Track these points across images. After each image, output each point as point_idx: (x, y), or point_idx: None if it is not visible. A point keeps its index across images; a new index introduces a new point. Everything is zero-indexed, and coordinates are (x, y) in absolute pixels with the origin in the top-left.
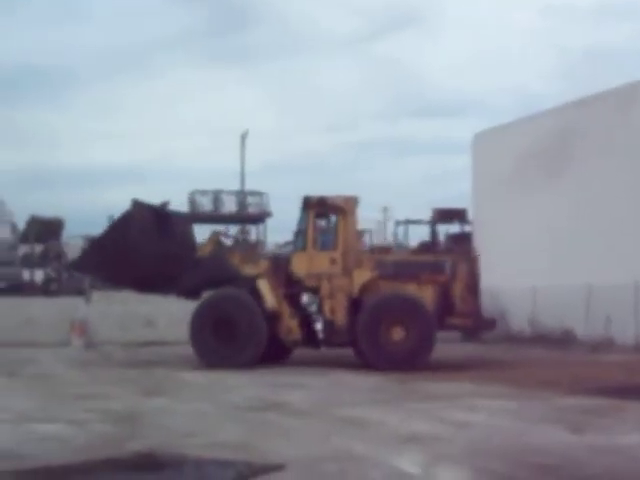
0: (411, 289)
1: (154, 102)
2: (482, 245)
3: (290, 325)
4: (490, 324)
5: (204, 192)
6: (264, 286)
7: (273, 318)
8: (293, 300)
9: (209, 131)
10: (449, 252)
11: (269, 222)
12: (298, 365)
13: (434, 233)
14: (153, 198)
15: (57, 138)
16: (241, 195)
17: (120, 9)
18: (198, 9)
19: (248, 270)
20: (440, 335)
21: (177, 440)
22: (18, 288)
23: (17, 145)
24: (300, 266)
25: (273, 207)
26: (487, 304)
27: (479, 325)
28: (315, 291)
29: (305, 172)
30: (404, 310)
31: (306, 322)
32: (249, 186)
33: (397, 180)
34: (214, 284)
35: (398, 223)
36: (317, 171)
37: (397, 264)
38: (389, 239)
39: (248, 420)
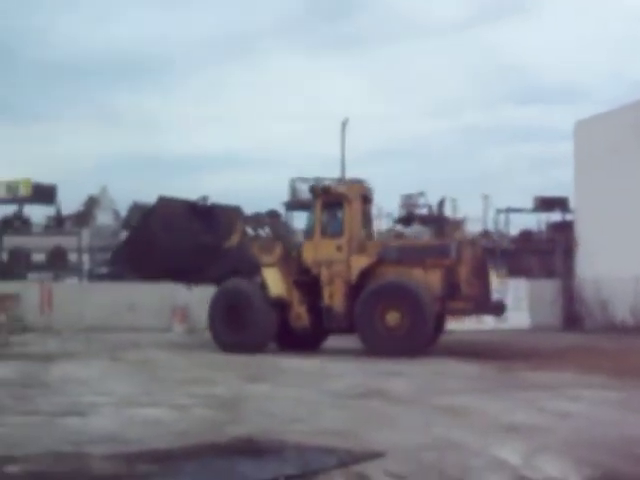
0: (417, 274)
1: (256, 89)
2: (583, 234)
3: (299, 312)
4: (496, 308)
5: (305, 179)
6: (269, 274)
7: (282, 305)
8: (303, 287)
9: (312, 118)
10: (550, 241)
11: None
12: None
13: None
14: (253, 185)
15: (159, 124)
16: (341, 182)
17: None
18: None
19: (265, 259)
20: (541, 324)
21: (278, 426)
22: (120, 274)
23: (119, 131)
24: (308, 254)
25: (375, 194)
26: (588, 293)
27: (482, 309)
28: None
29: (407, 159)
30: (399, 296)
31: (315, 308)
32: (351, 174)
33: (497, 167)
34: (238, 273)
35: (499, 211)
36: (419, 158)
37: (402, 249)
38: (490, 227)
39: (349, 407)
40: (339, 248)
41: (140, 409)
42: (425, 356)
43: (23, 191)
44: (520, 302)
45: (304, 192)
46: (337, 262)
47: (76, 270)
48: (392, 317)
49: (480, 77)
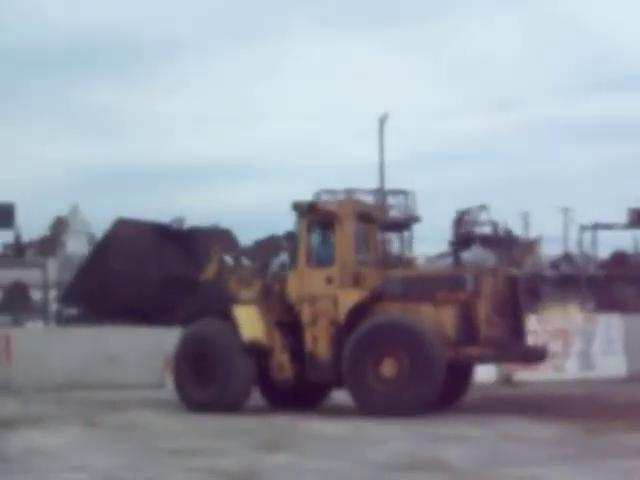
0: (425, 311)
1: (270, 80)
2: None
3: (280, 360)
4: (528, 355)
5: (333, 191)
6: (242, 314)
7: (260, 352)
8: (286, 330)
9: (341, 115)
10: None
11: (416, 228)
12: (458, 410)
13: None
14: (270, 199)
15: (144, 127)
16: (380, 195)
17: None
18: None
19: (244, 295)
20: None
21: None
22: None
23: (93, 136)
24: (292, 288)
25: (422, 209)
26: None
27: (506, 355)
28: None
29: (464, 164)
30: (396, 339)
31: (300, 356)
32: (390, 183)
33: (580, 172)
34: (211, 312)
35: (584, 228)
36: (479, 162)
37: (407, 281)
38: (572, 248)
39: None
40: (329, 280)
41: None
42: (488, 415)
43: None
44: (613, 344)
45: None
46: (322, 298)
47: (41, 311)
48: (388, 366)
49: (556, 59)
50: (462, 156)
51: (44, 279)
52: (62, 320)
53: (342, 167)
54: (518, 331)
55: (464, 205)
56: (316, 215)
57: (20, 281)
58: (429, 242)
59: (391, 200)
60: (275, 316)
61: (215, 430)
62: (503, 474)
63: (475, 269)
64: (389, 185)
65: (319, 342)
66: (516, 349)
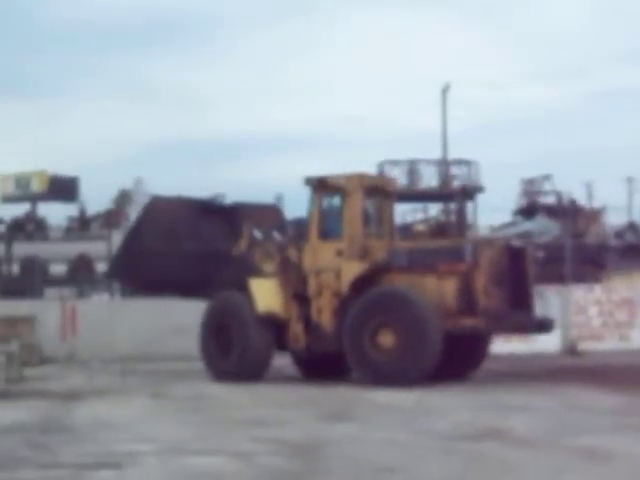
0: (429, 283)
1: (328, 51)
2: None
3: (296, 331)
4: (524, 326)
5: (396, 162)
6: (258, 286)
7: (276, 324)
8: (301, 301)
9: (403, 86)
10: None
11: (480, 199)
12: (522, 380)
13: None
14: (331, 169)
15: (207, 99)
16: (443, 165)
17: None
18: None
19: (266, 268)
20: None
21: (370, 477)
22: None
23: (157, 109)
24: (308, 261)
25: (485, 179)
26: None
27: (500, 326)
28: None
29: (528, 134)
30: (393, 310)
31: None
32: (454, 153)
33: None
34: (237, 284)
35: None
36: (543, 132)
37: (412, 252)
38: (637, 217)
39: (458, 452)
40: (339, 252)
41: (191, 458)
42: (552, 385)
43: (37, 186)
44: None
45: (396, 178)
46: (326, 270)
47: (106, 284)
48: (385, 336)
49: (624, 26)
50: (526, 126)
51: (109, 252)
52: (127, 292)
53: (406, 138)
54: (524, 302)
55: (528, 175)
56: (326, 189)
57: (85, 254)
58: (493, 212)
59: (454, 170)
60: (292, 288)
61: (280, 400)
62: (567, 443)
63: (474, 240)
64: (452, 155)
65: (323, 313)
66: (513, 320)
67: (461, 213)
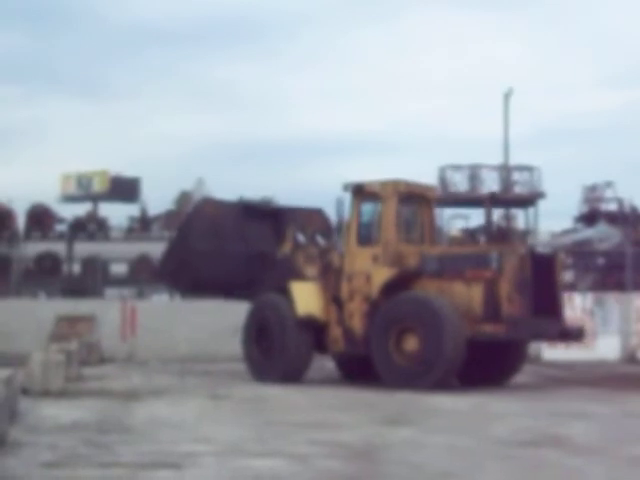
0: (458, 289)
1: (387, 54)
2: None
3: (335, 334)
4: (561, 335)
5: (458, 167)
6: (299, 290)
7: (316, 327)
8: (341, 305)
9: (463, 90)
10: None
11: (541, 204)
12: (581, 387)
13: None
14: (388, 173)
15: (268, 102)
16: (505, 170)
17: None
18: None
19: (308, 271)
20: None
21: None
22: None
23: (218, 111)
24: (348, 265)
25: (547, 185)
26: None
27: (520, 333)
28: None
29: (590, 140)
30: (416, 315)
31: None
32: (515, 159)
33: None
34: (279, 287)
35: None
36: (606, 138)
37: (443, 259)
38: None
39: (517, 458)
40: (375, 258)
41: (249, 459)
42: (612, 392)
43: (98, 186)
44: None
45: (458, 184)
46: (358, 275)
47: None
48: (409, 341)
49: None
50: (589, 132)
51: None
52: (175, 293)
53: (468, 142)
54: (551, 310)
55: (590, 181)
56: (364, 196)
57: (146, 254)
58: (554, 218)
59: (516, 176)
60: (332, 292)
61: (338, 403)
62: (627, 451)
63: (501, 248)
64: (514, 161)
65: (354, 317)
66: (535, 327)
67: (489, 219)
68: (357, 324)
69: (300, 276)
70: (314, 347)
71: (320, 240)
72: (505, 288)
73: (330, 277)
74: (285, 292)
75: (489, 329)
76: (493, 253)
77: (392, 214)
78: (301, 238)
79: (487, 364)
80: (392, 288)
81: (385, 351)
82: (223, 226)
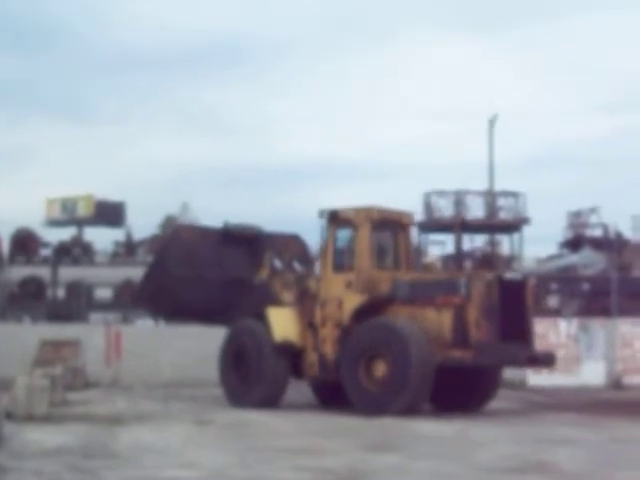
0: (429, 314)
1: (375, 79)
2: None
3: (312, 359)
4: (530, 361)
5: (443, 193)
6: (276, 315)
7: (292, 352)
8: (316, 331)
9: (448, 115)
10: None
11: (527, 230)
12: (566, 413)
13: None
14: (374, 199)
15: (252, 126)
16: (490, 196)
17: None
18: None
19: (285, 297)
20: None
21: None
22: None
23: (202, 135)
24: (321, 291)
25: (532, 211)
26: None
27: (485, 358)
28: None
29: (575, 166)
30: (384, 341)
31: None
32: (500, 185)
33: None
34: (256, 313)
35: None
36: (590, 165)
37: (414, 284)
38: None
39: None
40: (349, 284)
41: None
42: (597, 418)
43: (83, 210)
44: None
45: (443, 209)
46: (330, 301)
47: None
48: (378, 367)
49: None
50: (572, 158)
51: None
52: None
53: (453, 168)
54: (520, 335)
55: (575, 207)
56: (338, 222)
57: (131, 279)
58: (539, 243)
59: (502, 202)
60: (308, 318)
61: (321, 429)
62: (614, 478)
63: (468, 274)
64: (499, 186)
65: (327, 343)
66: (502, 353)
67: (459, 245)
68: (329, 350)
69: (277, 302)
70: (291, 372)
71: (297, 266)
72: (473, 314)
73: (306, 303)
74: (262, 318)
75: (457, 355)
76: (461, 279)
77: (365, 240)
78: (278, 264)
79: (462, 389)
80: (364, 314)
81: (355, 377)
82: (200, 251)
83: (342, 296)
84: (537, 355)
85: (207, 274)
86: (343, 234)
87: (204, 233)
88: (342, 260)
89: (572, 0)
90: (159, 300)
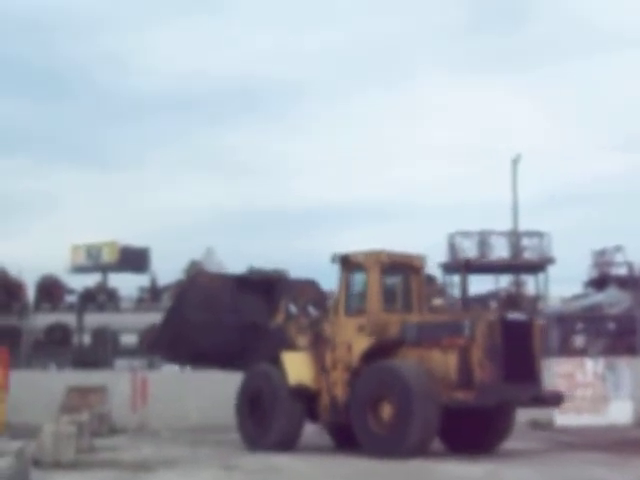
0: (436, 357)
1: (393, 119)
2: None
3: (326, 402)
4: (536, 401)
5: (467, 234)
6: (291, 360)
7: (308, 396)
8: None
9: (469, 155)
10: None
11: (551, 270)
12: (594, 452)
13: None
14: (399, 242)
15: (274, 169)
16: (514, 236)
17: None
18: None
19: (300, 341)
20: None
21: None
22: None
23: (225, 179)
24: (334, 335)
25: (556, 251)
26: None
27: (489, 399)
28: None
29: (598, 204)
30: (389, 384)
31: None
32: (524, 224)
33: None
34: (272, 357)
35: None
36: (613, 203)
37: (421, 327)
38: None
39: None
40: (361, 328)
41: None
42: (625, 458)
43: (107, 256)
44: None
45: (467, 250)
46: (340, 344)
47: None
48: (384, 410)
49: None
50: (597, 196)
51: None
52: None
53: (476, 208)
54: (526, 376)
55: (600, 246)
56: (350, 266)
57: (156, 325)
58: (564, 283)
59: (526, 241)
60: (322, 362)
61: (348, 473)
62: None
63: (473, 315)
64: (523, 226)
65: (337, 386)
66: (505, 393)
67: (464, 286)
68: (340, 392)
69: (292, 346)
70: (306, 415)
71: (312, 310)
72: (477, 355)
73: (321, 347)
74: (277, 362)
75: (460, 396)
76: (466, 321)
77: (375, 284)
78: (293, 309)
79: (475, 430)
80: (373, 357)
81: (363, 419)
82: (217, 297)
83: (352, 339)
84: (543, 395)
85: (224, 320)
86: (355, 278)
87: (221, 279)
88: (354, 304)
89: (587, 41)
90: (176, 347)
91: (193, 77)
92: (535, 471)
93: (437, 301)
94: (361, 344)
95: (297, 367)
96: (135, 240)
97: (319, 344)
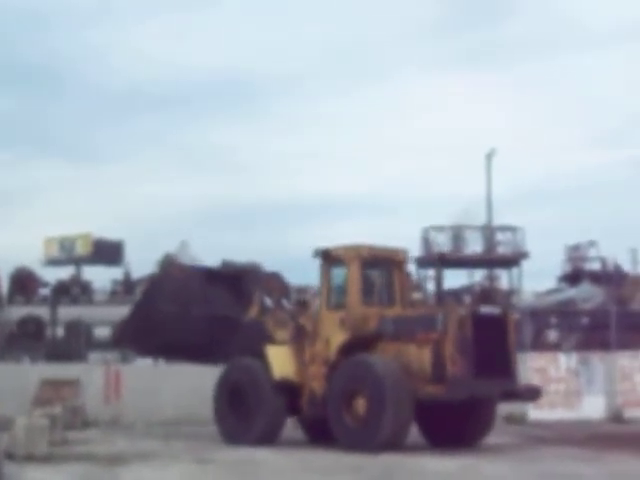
0: (411, 351)
1: (372, 115)
2: None
3: (306, 397)
4: (493, 393)
5: (441, 228)
6: (274, 353)
7: (290, 390)
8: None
9: (444, 150)
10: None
11: (525, 264)
12: (568, 447)
13: None
14: (372, 235)
15: (250, 165)
16: (488, 231)
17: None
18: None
19: (279, 335)
20: None
21: None
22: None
23: (200, 174)
24: (316, 329)
25: (530, 245)
26: None
27: (457, 393)
28: None
29: (572, 200)
30: (362, 378)
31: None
32: (498, 219)
33: None
34: (253, 351)
35: None
36: (587, 199)
37: (398, 321)
38: None
39: None
40: (342, 322)
41: None
42: (599, 453)
43: (81, 249)
44: None
45: (441, 245)
46: (319, 339)
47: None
48: (359, 404)
49: None
50: (571, 191)
51: None
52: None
53: (447, 203)
54: (502, 370)
55: (573, 241)
56: (331, 261)
57: (124, 317)
58: (538, 278)
59: (500, 236)
60: (305, 356)
61: (326, 466)
62: None
63: (445, 309)
64: (497, 221)
65: (316, 380)
66: (476, 388)
67: (438, 280)
68: (318, 387)
69: (270, 340)
70: (288, 410)
71: (285, 304)
72: (449, 349)
73: (302, 340)
74: (256, 355)
75: (432, 390)
76: (438, 315)
77: (355, 278)
78: (268, 302)
79: (456, 424)
80: (351, 351)
81: (339, 413)
82: (185, 289)
83: (331, 333)
84: (517, 390)
85: (193, 311)
86: (337, 273)
87: (192, 271)
88: (335, 298)
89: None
90: (143, 338)
91: (180, 71)
92: (509, 466)
93: (416, 295)
94: (339, 338)
95: (281, 361)
96: (110, 233)
97: (300, 338)
